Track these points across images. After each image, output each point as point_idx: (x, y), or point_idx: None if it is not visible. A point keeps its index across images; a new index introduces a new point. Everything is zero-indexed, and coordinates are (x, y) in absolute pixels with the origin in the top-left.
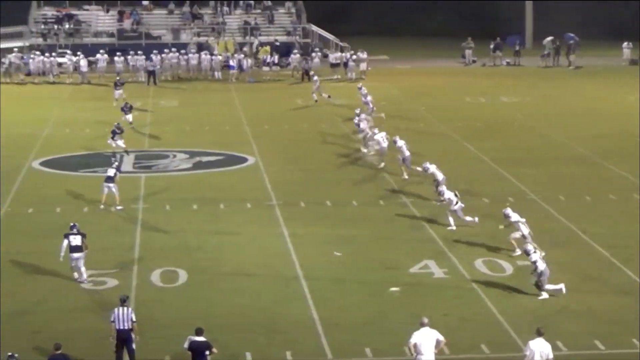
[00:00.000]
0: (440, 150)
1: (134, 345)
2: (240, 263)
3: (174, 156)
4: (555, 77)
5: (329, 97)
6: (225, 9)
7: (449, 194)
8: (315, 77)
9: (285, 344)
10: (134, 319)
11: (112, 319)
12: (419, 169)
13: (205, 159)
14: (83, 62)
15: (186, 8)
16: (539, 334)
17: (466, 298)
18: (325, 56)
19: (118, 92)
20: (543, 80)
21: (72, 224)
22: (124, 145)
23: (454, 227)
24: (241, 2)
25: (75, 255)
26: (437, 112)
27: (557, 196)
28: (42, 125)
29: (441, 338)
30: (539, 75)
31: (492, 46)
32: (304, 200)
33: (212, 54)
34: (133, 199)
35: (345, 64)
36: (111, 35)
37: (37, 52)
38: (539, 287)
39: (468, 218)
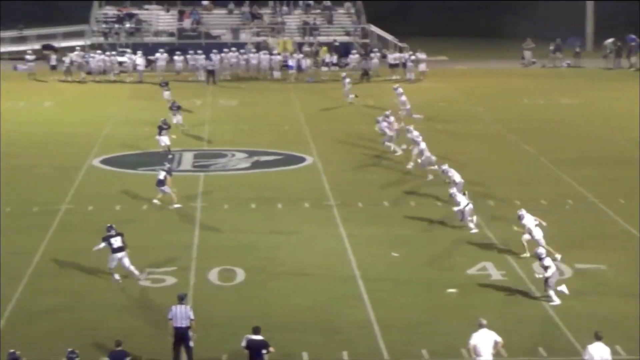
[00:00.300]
0: (498, 152)
1: (191, 343)
2: (298, 263)
3: (233, 155)
4: (616, 79)
5: (356, 97)
6: (285, 8)
7: (460, 198)
8: (347, 79)
9: (342, 344)
10: (192, 317)
11: (169, 317)
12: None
13: (263, 158)
14: (140, 61)
15: (246, 8)
16: (598, 338)
17: (524, 300)
18: (384, 56)
19: (167, 93)
20: (603, 82)
21: (108, 226)
22: (169, 143)
23: (476, 230)
24: (301, 2)
25: (119, 255)
26: (496, 113)
27: (616, 199)
28: (102, 124)
29: (499, 339)
30: (599, 77)
31: (552, 47)
32: (361, 201)
33: (271, 54)
34: (191, 197)
35: (404, 65)
36: (171, 34)
37: (98, 51)
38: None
39: (471, 224)
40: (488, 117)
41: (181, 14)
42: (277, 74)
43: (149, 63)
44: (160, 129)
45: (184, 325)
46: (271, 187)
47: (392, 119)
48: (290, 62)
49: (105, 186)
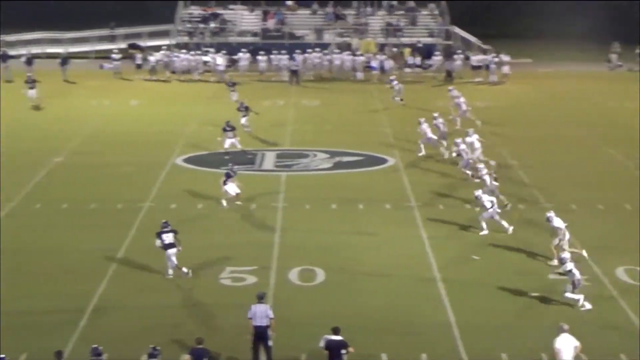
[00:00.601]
0: (579, 156)
1: (270, 342)
2: (378, 264)
3: (315, 156)
4: None
5: (402, 100)
6: (368, 9)
7: (486, 199)
8: (395, 82)
9: (421, 346)
10: (272, 316)
11: (249, 316)
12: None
13: (345, 159)
14: (220, 61)
15: (329, 8)
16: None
17: (606, 306)
18: (467, 58)
19: (234, 94)
20: None
21: (164, 222)
22: (234, 143)
23: (487, 232)
24: (384, 3)
25: (170, 251)
26: (579, 116)
27: None
28: (186, 123)
29: (577, 344)
30: None
31: (638, 51)
32: (442, 203)
33: (354, 55)
34: (273, 197)
35: (487, 67)
36: (255, 34)
37: (183, 51)
38: (572, 298)
39: (504, 223)
40: (570, 120)
41: (265, 14)
42: (359, 75)
43: (232, 63)
44: (224, 130)
45: (263, 324)
46: (352, 188)
47: (440, 120)
48: (373, 63)
49: (188, 184)
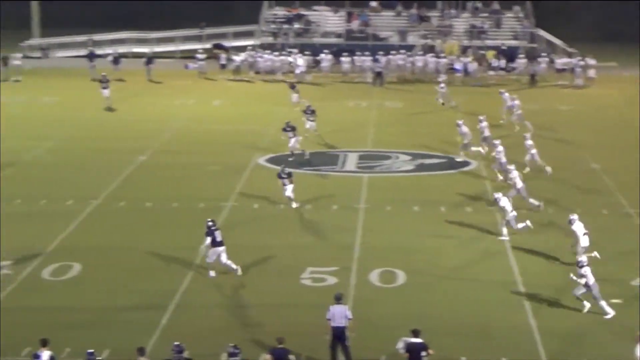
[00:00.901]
0: None
1: (348, 342)
2: (459, 267)
3: (397, 157)
4: None
5: (443, 104)
6: (453, 11)
7: (504, 202)
8: (442, 84)
9: (501, 349)
10: (350, 316)
11: (328, 317)
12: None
13: (427, 161)
14: (300, 62)
15: (413, 10)
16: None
17: None
18: (552, 61)
19: (295, 96)
20: None
21: (210, 220)
22: (295, 145)
23: (507, 238)
24: (469, 5)
25: (220, 249)
26: None
27: None
28: (269, 123)
29: None
30: None
31: None
32: (524, 207)
33: (437, 57)
34: (354, 198)
35: (573, 70)
36: (339, 35)
37: (267, 51)
38: (579, 299)
39: (520, 225)
40: None
41: (349, 15)
42: (443, 77)
43: (316, 64)
44: (284, 130)
45: (341, 325)
46: (434, 190)
47: (484, 123)
48: (457, 66)
49: (271, 185)
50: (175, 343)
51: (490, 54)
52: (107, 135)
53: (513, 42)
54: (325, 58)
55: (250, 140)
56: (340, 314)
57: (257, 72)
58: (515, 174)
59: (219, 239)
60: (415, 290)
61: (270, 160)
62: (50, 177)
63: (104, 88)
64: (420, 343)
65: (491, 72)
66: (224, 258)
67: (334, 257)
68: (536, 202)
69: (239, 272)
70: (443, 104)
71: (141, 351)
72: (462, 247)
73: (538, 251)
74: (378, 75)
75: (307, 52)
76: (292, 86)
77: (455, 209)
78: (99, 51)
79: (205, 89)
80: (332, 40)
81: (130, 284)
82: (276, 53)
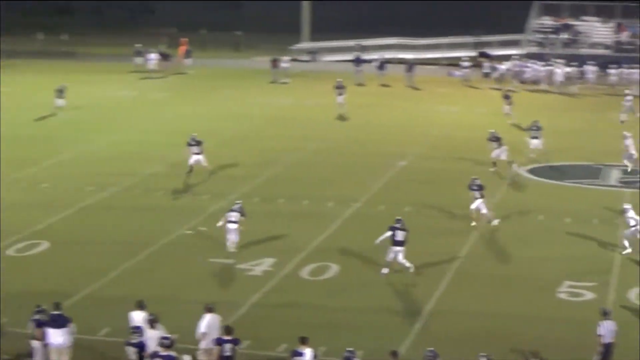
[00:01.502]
0: None
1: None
2: None
3: None
4: None
5: (622, 122)
6: None
7: (632, 215)
8: (629, 97)
9: None
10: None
11: (600, 332)
12: None
13: None
14: (559, 71)
15: None
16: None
17: None
18: None
19: (507, 107)
20: None
21: (398, 218)
22: (503, 158)
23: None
24: None
25: (397, 248)
26: None
27: None
28: (529, 133)
29: None
30: None
31: None
32: None
33: None
34: (615, 213)
35: None
36: (607, 47)
37: (532, 61)
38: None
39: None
40: None
41: (619, 26)
42: None
43: (581, 75)
44: (490, 140)
45: (611, 342)
46: None
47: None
48: None
49: (531, 196)
50: (429, 349)
51: None
52: (370, 138)
53: None
54: (591, 70)
55: (512, 149)
56: (611, 328)
57: (522, 82)
58: None
59: (398, 237)
60: None
61: (531, 171)
62: (313, 178)
63: (340, 95)
64: None
65: None
66: (400, 257)
67: (593, 272)
68: None
69: (412, 269)
70: (622, 122)
71: (395, 355)
72: None
73: None
74: None
75: (573, 63)
76: (506, 96)
77: None
78: (365, 56)
79: (469, 96)
80: (600, 51)
81: (381, 288)
82: (542, 63)
